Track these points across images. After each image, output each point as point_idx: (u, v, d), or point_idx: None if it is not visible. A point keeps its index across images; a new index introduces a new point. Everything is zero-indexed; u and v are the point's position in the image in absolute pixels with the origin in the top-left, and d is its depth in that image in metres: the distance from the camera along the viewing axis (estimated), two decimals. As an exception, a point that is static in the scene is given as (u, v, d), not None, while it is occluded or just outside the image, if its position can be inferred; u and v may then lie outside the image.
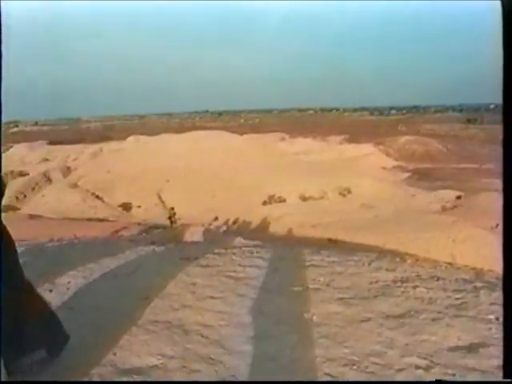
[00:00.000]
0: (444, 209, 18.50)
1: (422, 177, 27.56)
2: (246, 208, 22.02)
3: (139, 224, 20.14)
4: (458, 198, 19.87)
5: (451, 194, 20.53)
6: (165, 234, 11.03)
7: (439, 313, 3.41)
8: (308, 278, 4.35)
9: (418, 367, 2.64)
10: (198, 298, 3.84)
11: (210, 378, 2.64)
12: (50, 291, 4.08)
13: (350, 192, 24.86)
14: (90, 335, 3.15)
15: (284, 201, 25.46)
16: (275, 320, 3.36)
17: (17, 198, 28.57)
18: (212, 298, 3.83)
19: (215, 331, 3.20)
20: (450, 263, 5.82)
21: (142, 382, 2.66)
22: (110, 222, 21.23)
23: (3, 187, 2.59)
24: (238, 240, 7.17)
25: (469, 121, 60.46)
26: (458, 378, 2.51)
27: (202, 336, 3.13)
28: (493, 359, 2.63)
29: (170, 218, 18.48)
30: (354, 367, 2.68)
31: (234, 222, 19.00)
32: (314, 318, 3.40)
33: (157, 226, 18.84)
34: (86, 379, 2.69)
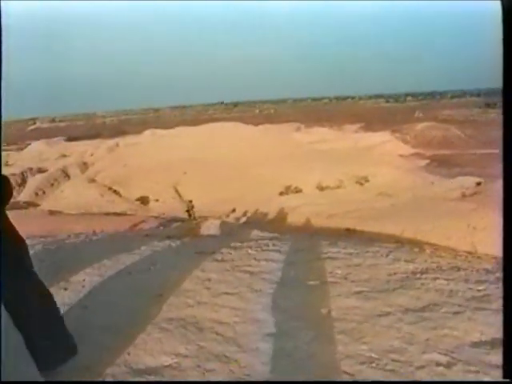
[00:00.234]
0: (464, 196, 18.19)
1: (441, 164, 27.16)
2: (263, 199, 21.94)
3: (157, 217, 20.22)
4: (478, 184, 19.49)
5: (471, 181, 20.15)
6: (181, 227, 11.00)
7: (460, 306, 3.31)
8: (325, 271, 4.27)
9: (438, 364, 2.55)
10: (212, 294, 3.79)
11: (225, 377, 2.59)
12: (65, 289, 4.07)
13: (367, 181, 24.61)
14: (103, 334, 3.13)
15: (301, 191, 25.33)
16: (291, 316, 3.30)
17: (36, 194, 28.89)
18: (227, 293, 3.77)
19: (230, 328, 3.15)
20: (470, 252, 5.68)
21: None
22: (127, 216, 21.32)
23: (8, 189, 2.54)
24: (255, 233, 7.11)
25: (488, 105, 59.14)
26: (479, 377, 2.42)
27: (217, 334, 3.08)
28: (518, 355, 2.53)
29: (188, 211, 18.49)
30: (373, 365, 2.60)
31: (252, 214, 18.94)
32: (331, 313, 3.32)
33: (175, 220, 18.89)
34: (99, 379, 2.66)
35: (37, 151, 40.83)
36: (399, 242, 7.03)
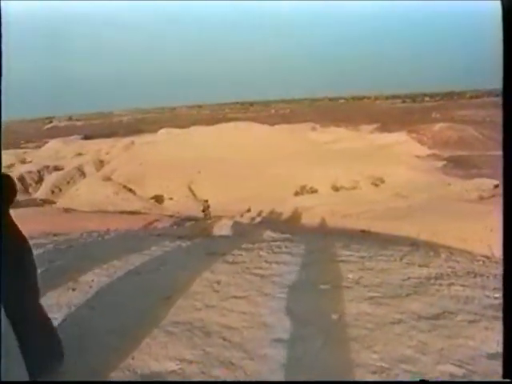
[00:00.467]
0: (481, 198, 17.94)
1: (458, 165, 26.81)
2: (278, 199, 21.86)
3: (171, 216, 20.27)
4: (496, 186, 19.20)
5: (488, 183, 19.85)
6: (194, 227, 10.96)
7: (477, 314, 3.19)
8: (337, 275, 4.17)
9: (453, 375, 2.45)
10: (221, 297, 3.71)
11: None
12: (73, 290, 4.04)
13: (382, 181, 24.41)
14: (109, 337, 3.07)
15: (316, 191, 25.22)
16: (301, 321, 3.21)
17: (52, 191, 29.17)
18: (236, 297, 3.69)
19: (238, 333, 3.07)
20: (487, 257, 5.53)
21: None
22: (142, 214, 21.40)
23: (12, 188, 2.50)
24: (267, 234, 7.02)
25: (507, 106, 58.17)
26: None
27: (224, 339, 3.01)
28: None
29: (204, 210, 18.47)
30: (384, 374, 2.50)
31: (266, 213, 18.86)
32: (342, 318, 3.23)
33: (188, 219, 18.90)
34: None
35: (53, 149, 41.23)
36: (414, 244, 6.90)
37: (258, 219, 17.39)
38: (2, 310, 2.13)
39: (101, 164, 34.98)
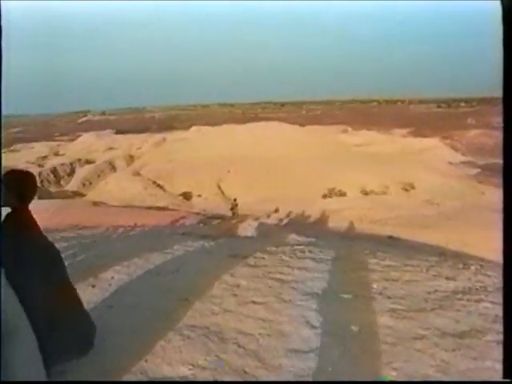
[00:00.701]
0: (516, 208, 17.43)
1: (493, 173, 26.09)
2: (306, 200, 21.73)
3: (198, 214, 20.34)
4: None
5: (524, 192, 19.28)
6: (219, 227, 10.95)
7: (506, 334, 3.02)
8: (360, 284, 4.04)
9: (477, 400, 2.31)
10: (239, 302, 3.64)
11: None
12: (93, 286, 4.03)
13: (413, 187, 24.00)
14: (124, 337, 3.03)
15: (344, 194, 24.98)
16: (319, 331, 3.10)
17: (83, 184, 29.68)
18: (254, 302, 3.61)
19: (253, 341, 2.99)
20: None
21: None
22: (169, 210, 21.54)
23: (32, 186, 2.49)
24: (292, 237, 6.94)
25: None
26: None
27: (239, 346, 2.93)
28: None
29: (232, 208, 18.50)
30: (402, 395, 2.39)
31: (293, 215, 18.75)
32: (362, 331, 3.11)
33: (215, 217, 18.94)
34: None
35: (86, 143, 41.96)
36: (443, 254, 6.70)
37: (285, 220, 17.30)
38: (3, 309, 2.11)
39: (131, 159, 35.44)
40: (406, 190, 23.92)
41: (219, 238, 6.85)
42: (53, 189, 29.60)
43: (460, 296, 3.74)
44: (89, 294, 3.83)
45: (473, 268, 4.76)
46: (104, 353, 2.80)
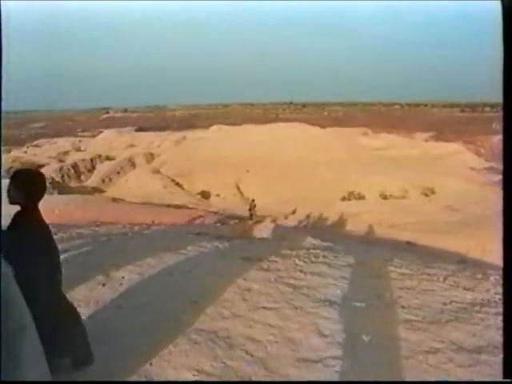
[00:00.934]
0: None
1: (517, 180, 25.64)
2: (324, 203, 21.57)
3: (216, 213, 20.36)
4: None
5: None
6: (235, 227, 10.91)
7: (525, 351, 2.90)
8: (374, 293, 3.95)
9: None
10: (250, 307, 3.58)
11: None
12: (103, 285, 4.01)
13: (433, 192, 23.66)
14: (131, 339, 3.00)
15: (363, 198, 24.77)
16: (329, 340, 3.03)
17: (103, 180, 29.95)
18: (265, 308, 3.55)
19: (262, 348, 2.93)
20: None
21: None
22: (188, 209, 21.62)
23: (42, 186, 2.48)
24: (308, 240, 6.84)
25: None
26: None
27: (247, 352, 2.87)
28: None
29: (250, 209, 18.46)
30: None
31: (311, 217, 18.64)
32: (374, 341, 3.02)
33: (232, 217, 18.93)
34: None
35: (107, 139, 42.38)
36: (462, 262, 6.57)
37: (303, 222, 17.20)
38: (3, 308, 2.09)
39: (151, 157, 35.66)
40: (426, 194, 23.61)
41: (234, 239, 6.79)
42: (73, 184, 29.95)
43: (478, 308, 3.63)
44: (99, 293, 3.82)
45: (492, 279, 4.61)
46: (109, 353, 2.77)
